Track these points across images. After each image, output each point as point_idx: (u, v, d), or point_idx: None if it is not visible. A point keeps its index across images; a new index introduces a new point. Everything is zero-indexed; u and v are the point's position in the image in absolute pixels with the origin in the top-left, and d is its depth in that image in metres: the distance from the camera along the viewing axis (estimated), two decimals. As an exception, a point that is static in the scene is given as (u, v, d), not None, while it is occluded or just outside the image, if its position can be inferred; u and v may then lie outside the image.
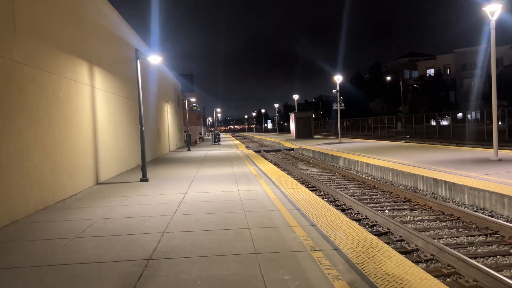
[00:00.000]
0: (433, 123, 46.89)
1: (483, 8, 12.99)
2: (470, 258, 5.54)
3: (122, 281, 4.21)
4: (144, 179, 12.03)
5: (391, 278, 4.06)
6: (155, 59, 12.76)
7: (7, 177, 6.99)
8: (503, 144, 23.92)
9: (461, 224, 7.69)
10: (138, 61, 12.06)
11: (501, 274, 4.95)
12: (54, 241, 5.84)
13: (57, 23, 9.50)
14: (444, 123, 49.51)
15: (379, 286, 3.87)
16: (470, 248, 6.35)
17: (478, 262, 5.50)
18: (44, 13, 8.79)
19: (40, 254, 5.22)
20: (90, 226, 6.68)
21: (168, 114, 28.84)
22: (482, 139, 30.05)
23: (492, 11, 12.81)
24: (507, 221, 7.58)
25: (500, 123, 39.24)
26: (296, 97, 58.50)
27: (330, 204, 9.31)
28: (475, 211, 8.37)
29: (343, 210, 9.31)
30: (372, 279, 4.04)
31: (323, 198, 10.47)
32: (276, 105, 78.97)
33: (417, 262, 5.74)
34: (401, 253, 5.93)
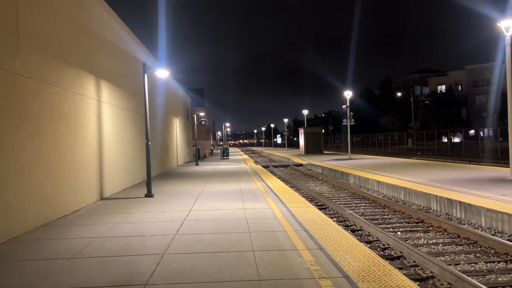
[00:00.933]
0: (445, 139, 46.19)
1: (498, 24, 12.68)
2: (490, 288, 5.13)
3: (114, 309, 3.92)
4: (149, 195, 11.78)
5: (406, 313, 3.70)
6: (163, 73, 12.64)
7: (4, 192, 6.77)
8: (518, 163, 23.27)
9: (479, 249, 7.26)
10: (146, 75, 11.94)
11: (526, 307, 4.54)
12: (49, 261, 5.58)
13: (63, 36, 9.42)
14: (456, 140, 48.77)
15: (393, 322, 3.51)
16: (490, 276, 5.93)
17: (500, 293, 5.09)
18: (49, 26, 8.70)
19: (31, 277, 4.95)
20: (89, 245, 6.41)
21: (177, 128, 28.75)
22: (496, 157, 29.32)
23: (507, 27, 12.49)
24: (528, 246, 7.13)
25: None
26: (305, 112, 58.26)
27: (340, 225, 8.93)
28: (493, 235, 7.93)
29: (353, 231, 8.92)
30: (385, 313, 3.68)
31: (332, 218, 10.10)
32: (286, 120, 78.70)
33: (433, 291, 5.35)
34: (415, 280, 5.56)
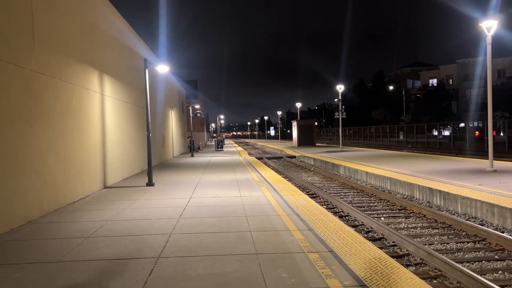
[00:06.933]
0: (435, 133, 47.26)
1: (479, 24, 13.43)
2: (457, 262, 5.92)
3: (134, 276, 4.63)
4: (150, 183, 12.46)
5: (379, 277, 4.46)
6: (163, 68, 13.25)
7: (23, 179, 7.44)
8: (502, 155, 24.24)
9: (452, 231, 8.08)
10: (147, 70, 12.55)
11: (483, 277, 5.33)
12: (69, 240, 6.28)
13: (72, 34, 10.01)
14: (446, 133, 49.88)
15: (370, 286, 4.27)
16: (458, 253, 6.74)
17: (464, 266, 5.89)
18: (60, 25, 9.30)
19: (57, 252, 5.65)
20: (101, 227, 7.11)
21: (173, 120, 29.35)
22: (482, 150, 30.33)
23: (489, 27, 13.24)
24: (496, 229, 7.95)
25: (501, 134, 39.57)
26: (298, 105, 58.97)
27: (329, 211, 9.71)
28: (467, 220, 8.75)
29: (340, 217, 9.71)
30: (362, 278, 4.44)
31: (322, 205, 10.87)
32: (279, 112, 79.37)
33: (407, 266, 6.13)
34: (393, 257, 6.34)
